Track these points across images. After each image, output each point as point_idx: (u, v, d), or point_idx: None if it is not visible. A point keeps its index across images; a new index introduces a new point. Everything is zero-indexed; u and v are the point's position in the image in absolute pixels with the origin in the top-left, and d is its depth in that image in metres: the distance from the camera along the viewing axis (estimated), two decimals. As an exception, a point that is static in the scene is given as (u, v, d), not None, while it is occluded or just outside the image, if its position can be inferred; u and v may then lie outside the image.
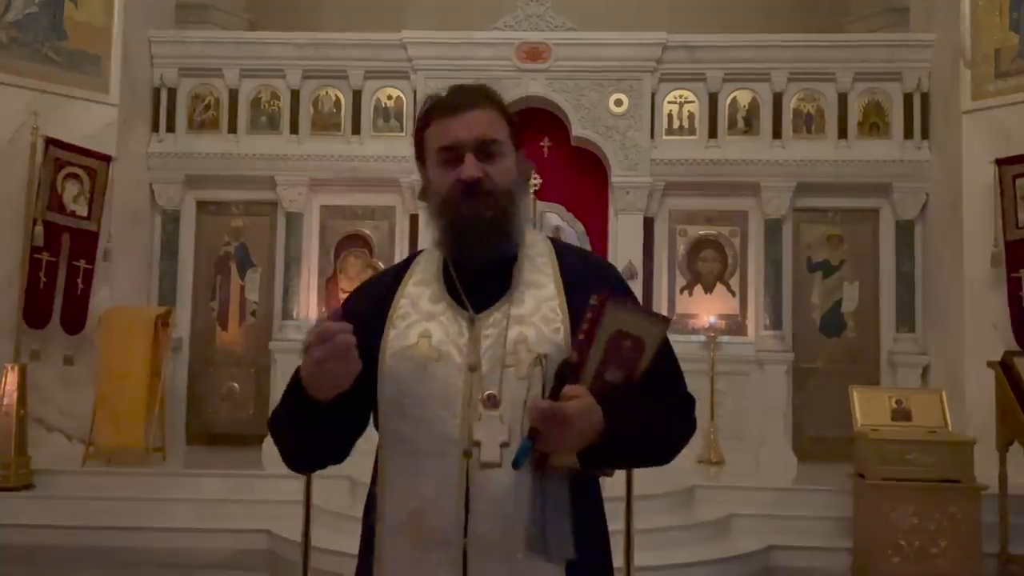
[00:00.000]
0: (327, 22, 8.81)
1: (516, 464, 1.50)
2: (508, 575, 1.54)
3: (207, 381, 8.00)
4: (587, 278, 1.65)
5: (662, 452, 1.70)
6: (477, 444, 1.56)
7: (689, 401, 1.73)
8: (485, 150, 1.64)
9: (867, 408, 5.87)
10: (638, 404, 1.59)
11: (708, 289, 7.88)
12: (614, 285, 1.69)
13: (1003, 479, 5.55)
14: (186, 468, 6.98)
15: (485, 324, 1.63)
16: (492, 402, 1.58)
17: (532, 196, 7.36)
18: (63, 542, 5.86)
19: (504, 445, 1.55)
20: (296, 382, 1.57)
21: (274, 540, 5.87)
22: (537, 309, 1.64)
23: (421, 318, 1.66)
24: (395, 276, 1.76)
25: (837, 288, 7.83)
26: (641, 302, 1.67)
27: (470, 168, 1.62)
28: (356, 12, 8.80)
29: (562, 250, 1.76)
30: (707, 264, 7.91)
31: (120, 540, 5.90)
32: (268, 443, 7.43)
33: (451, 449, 1.57)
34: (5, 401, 6.34)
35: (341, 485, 5.97)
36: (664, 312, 7.56)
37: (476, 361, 1.60)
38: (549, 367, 1.56)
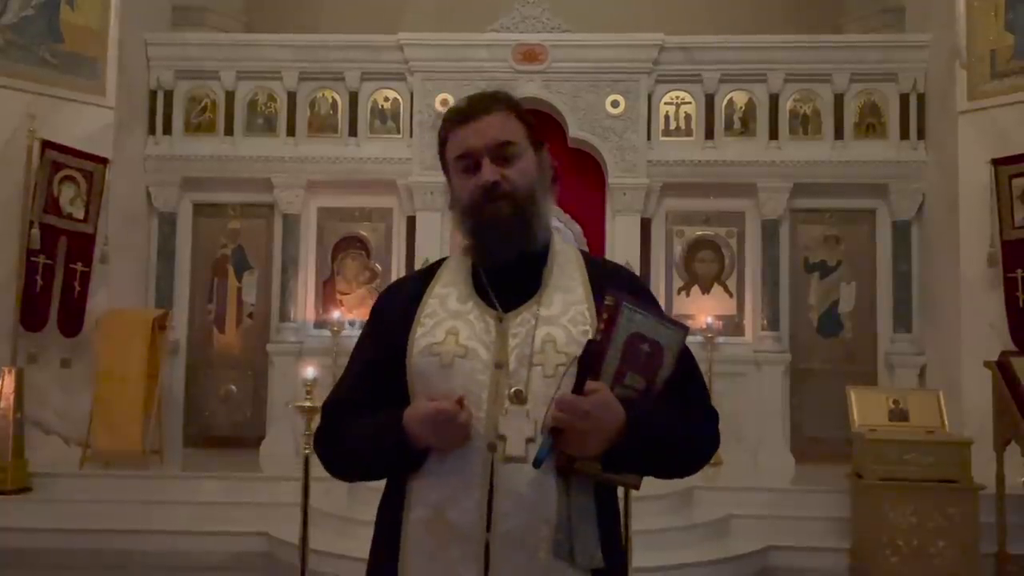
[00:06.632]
0: (323, 24, 8.80)
1: (537, 462, 1.50)
2: (529, 572, 1.54)
3: (204, 383, 7.98)
4: (611, 284, 1.66)
5: (684, 462, 1.71)
6: (502, 438, 1.57)
7: (713, 414, 1.75)
8: (501, 153, 1.68)
9: (864, 408, 5.88)
10: (659, 410, 1.60)
11: (705, 290, 7.88)
12: (637, 290, 1.72)
13: (1000, 479, 5.55)
14: (183, 471, 6.96)
15: (513, 323, 1.66)
16: (519, 398, 1.59)
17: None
18: (60, 545, 5.85)
19: (530, 440, 1.56)
20: (392, 424, 1.61)
21: (272, 543, 5.86)
22: (566, 311, 1.67)
23: (448, 316, 1.69)
24: (424, 278, 1.79)
25: (834, 289, 7.83)
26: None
27: (487, 172, 1.67)
28: (352, 14, 8.78)
29: (589, 258, 1.81)
30: (704, 265, 7.91)
31: (117, 543, 5.89)
32: (265, 445, 7.45)
33: (476, 443, 1.57)
34: (2, 404, 6.33)
35: (339, 488, 5.90)
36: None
37: (503, 358, 1.62)
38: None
